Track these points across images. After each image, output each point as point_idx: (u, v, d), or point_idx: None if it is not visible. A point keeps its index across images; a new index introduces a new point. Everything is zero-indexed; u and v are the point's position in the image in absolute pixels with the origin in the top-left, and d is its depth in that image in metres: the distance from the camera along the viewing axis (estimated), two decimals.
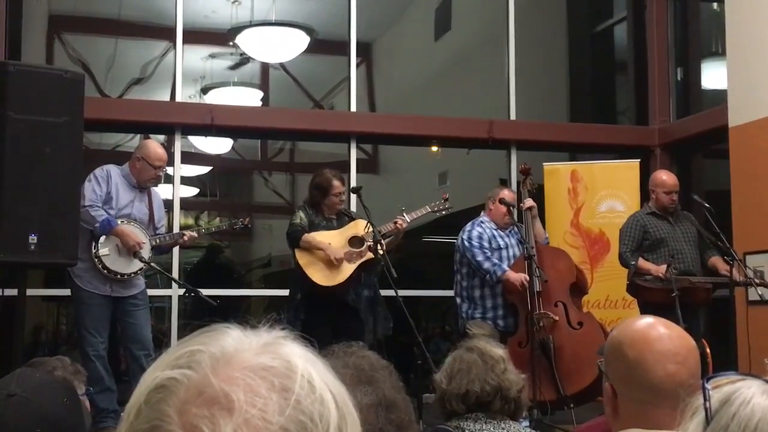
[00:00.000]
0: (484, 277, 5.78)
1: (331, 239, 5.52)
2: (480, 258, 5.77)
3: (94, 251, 5.06)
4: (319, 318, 5.39)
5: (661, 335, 1.75)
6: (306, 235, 5.49)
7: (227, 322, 0.74)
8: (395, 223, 5.56)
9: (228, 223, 5.79)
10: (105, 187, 5.18)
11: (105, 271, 5.07)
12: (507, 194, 6.01)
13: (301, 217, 5.60)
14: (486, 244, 5.84)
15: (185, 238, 5.43)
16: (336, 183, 5.59)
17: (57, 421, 1.57)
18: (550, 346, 5.57)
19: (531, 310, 5.60)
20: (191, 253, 8.41)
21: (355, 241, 5.50)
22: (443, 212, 5.91)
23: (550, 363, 5.53)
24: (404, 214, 5.62)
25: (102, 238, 5.07)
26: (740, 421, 0.93)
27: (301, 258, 5.49)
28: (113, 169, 5.28)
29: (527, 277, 5.64)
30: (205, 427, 0.64)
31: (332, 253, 5.42)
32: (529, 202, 6.02)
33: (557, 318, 5.66)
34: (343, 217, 5.64)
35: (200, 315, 7.39)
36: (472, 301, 5.89)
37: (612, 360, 1.79)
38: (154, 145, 5.50)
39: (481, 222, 5.95)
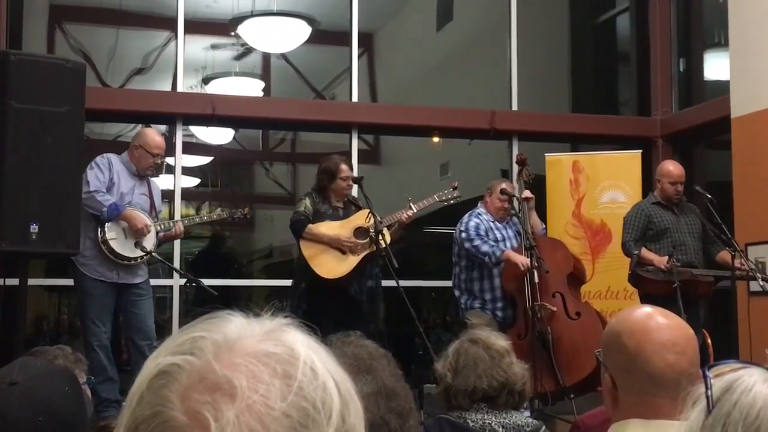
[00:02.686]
0: (483, 260, 5.76)
1: (336, 230, 5.48)
2: (477, 242, 5.76)
3: (101, 236, 5.06)
4: (321, 309, 5.37)
5: (660, 325, 1.75)
6: (310, 226, 5.46)
7: (229, 310, 0.74)
8: (402, 213, 5.52)
9: (228, 213, 5.78)
10: (107, 174, 5.19)
11: (112, 256, 5.08)
12: (507, 186, 6.00)
13: (306, 205, 5.55)
14: (483, 234, 5.83)
15: (179, 229, 5.42)
16: (344, 167, 5.56)
17: (59, 410, 1.57)
18: (548, 337, 5.57)
19: (532, 300, 5.60)
20: (192, 243, 8.41)
21: (360, 232, 5.44)
22: (452, 201, 5.85)
23: (548, 354, 5.53)
24: (411, 204, 5.56)
25: (108, 224, 5.07)
26: (742, 409, 0.93)
27: (306, 249, 5.46)
28: (113, 157, 5.29)
29: (528, 260, 5.62)
30: (207, 413, 0.64)
31: (339, 242, 5.40)
32: (526, 193, 6.01)
33: (555, 309, 5.66)
34: (350, 207, 5.59)
35: (202, 305, 7.40)
36: (471, 293, 5.89)
37: (611, 351, 1.79)
38: (152, 132, 5.50)
39: (478, 214, 5.93)
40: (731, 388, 0.96)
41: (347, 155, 7.29)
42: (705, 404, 0.97)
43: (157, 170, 5.55)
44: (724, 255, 5.71)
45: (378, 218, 5.24)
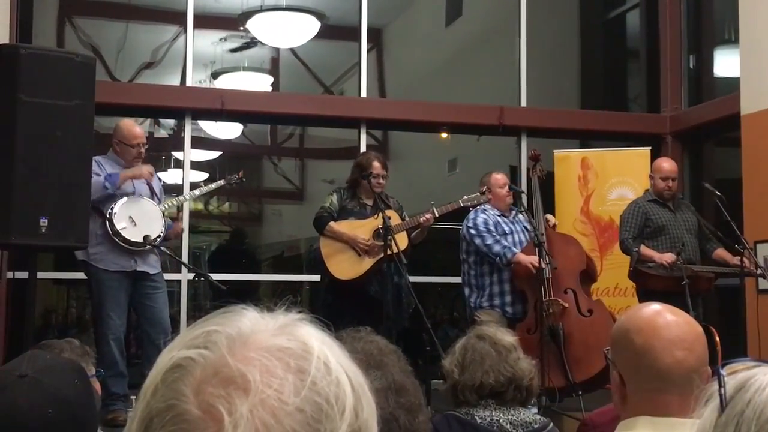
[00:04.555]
0: (494, 260, 5.75)
1: (357, 229, 5.43)
2: (489, 241, 5.74)
3: (111, 230, 5.06)
4: (345, 304, 5.34)
5: (668, 322, 1.75)
6: (332, 224, 5.43)
7: (243, 304, 0.74)
8: (423, 217, 5.43)
9: (225, 180, 5.79)
10: (101, 172, 5.18)
11: (127, 245, 5.08)
12: (502, 178, 5.98)
13: (331, 201, 5.51)
14: (492, 229, 5.81)
15: (178, 228, 5.47)
16: (376, 164, 5.48)
17: (68, 402, 1.58)
18: (559, 333, 5.56)
19: (541, 296, 5.59)
20: (200, 237, 8.43)
21: (379, 233, 5.33)
22: (477, 206, 5.79)
23: (559, 350, 5.53)
24: (434, 209, 5.47)
25: (115, 215, 5.07)
26: (755, 408, 0.93)
27: (324, 247, 5.43)
28: (101, 159, 5.27)
29: (537, 260, 5.61)
30: (221, 407, 0.64)
31: (356, 243, 5.36)
32: (552, 219, 5.99)
33: (567, 305, 5.66)
34: (378, 206, 5.42)
35: (211, 300, 7.42)
36: (480, 290, 5.87)
37: (619, 348, 1.79)
38: (127, 124, 5.47)
39: (484, 209, 5.91)
40: (745, 386, 0.95)
41: (355, 150, 7.29)
42: (718, 402, 0.96)
43: (140, 159, 5.48)
44: (721, 252, 5.76)
45: (388, 219, 5.15)
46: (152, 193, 5.37)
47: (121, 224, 5.10)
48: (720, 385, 0.96)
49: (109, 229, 5.07)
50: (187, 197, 5.84)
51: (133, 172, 5.16)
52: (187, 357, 0.68)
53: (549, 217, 6.06)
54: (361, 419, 0.69)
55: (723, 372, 0.98)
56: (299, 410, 0.65)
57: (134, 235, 5.11)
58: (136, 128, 5.42)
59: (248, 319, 0.71)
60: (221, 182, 5.81)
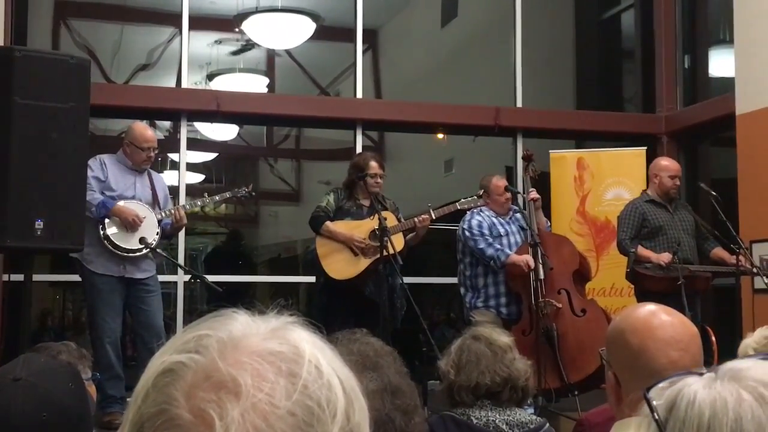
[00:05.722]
0: (488, 263, 5.76)
1: (354, 230, 5.42)
2: (482, 245, 5.75)
3: (102, 233, 5.06)
4: (340, 305, 5.34)
5: (663, 322, 1.75)
6: (328, 223, 5.43)
7: (234, 308, 0.74)
8: (419, 218, 5.43)
9: (231, 192, 5.77)
10: (102, 174, 5.18)
11: (116, 251, 5.07)
12: (501, 181, 5.98)
13: (328, 200, 5.51)
14: (486, 232, 5.81)
15: (179, 214, 5.37)
16: (373, 163, 5.49)
17: (62, 406, 1.58)
18: (553, 333, 5.57)
19: (535, 297, 5.60)
20: (197, 239, 8.42)
21: (375, 233, 5.33)
22: (474, 209, 5.79)
23: (553, 351, 5.53)
24: (431, 211, 5.47)
25: (107, 219, 5.07)
26: (692, 423, 0.90)
27: (320, 247, 5.43)
28: (106, 157, 5.29)
29: (532, 259, 5.61)
30: (212, 411, 0.64)
31: (352, 242, 5.37)
32: (533, 194, 5.98)
33: (560, 305, 5.66)
34: (375, 207, 5.42)
35: (207, 302, 7.42)
36: (475, 290, 5.88)
37: (614, 348, 1.79)
38: (140, 127, 5.48)
39: (480, 210, 5.92)
40: (675, 404, 0.92)
41: (351, 152, 7.28)
42: (655, 427, 0.92)
43: (150, 162, 5.45)
44: (719, 251, 5.76)
45: (384, 220, 5.15)
46: (155, 200, 5.35)
47: (112, 229, 5.09)
48: (651, 411, 0.93)
49: (100, 232, 5.06)
50: (188, 207, 5.83)
51: (123, 214, 5.10)
52: (178, 361, 0.68)
53: (532, 192, 6.00)
54: (353, 422, 0.68)
55: (650, 396, 0.94)
56: (291, 414, 0.65)
57: (124, 241, 5.10)
58: (148, 132, 5.42)
59: (239, 323, 0.71)
60: (227, 194, 5.80)
